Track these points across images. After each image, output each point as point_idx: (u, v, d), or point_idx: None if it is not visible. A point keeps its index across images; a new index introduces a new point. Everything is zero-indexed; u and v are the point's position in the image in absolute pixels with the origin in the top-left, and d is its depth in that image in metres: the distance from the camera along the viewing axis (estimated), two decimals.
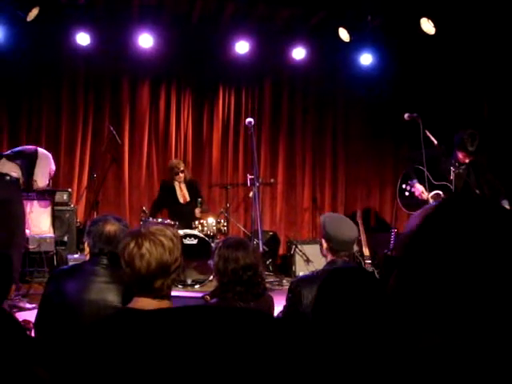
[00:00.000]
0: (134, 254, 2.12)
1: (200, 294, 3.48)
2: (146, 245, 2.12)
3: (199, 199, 7.82)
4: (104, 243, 3.03)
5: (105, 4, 8.02)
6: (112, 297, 2.92)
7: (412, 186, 6.54)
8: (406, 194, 6.69)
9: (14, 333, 1.82)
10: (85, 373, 2.02)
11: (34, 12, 7.31)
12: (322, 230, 3.32)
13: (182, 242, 2.26)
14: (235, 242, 2.81)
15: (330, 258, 3.29)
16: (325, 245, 3.29)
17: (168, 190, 8.03)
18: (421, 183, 6.42)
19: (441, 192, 6.43)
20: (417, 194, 6.46)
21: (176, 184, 8.00)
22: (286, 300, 3.12)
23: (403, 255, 1.11)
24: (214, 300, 2.86)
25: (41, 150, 6.24)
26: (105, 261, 3.01)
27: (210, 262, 2.88)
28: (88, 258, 3.14)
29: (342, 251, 3.25)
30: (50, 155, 6.28)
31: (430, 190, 6.43)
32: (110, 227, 3.05)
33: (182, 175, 7.95)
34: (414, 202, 6.52)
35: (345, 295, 2.13)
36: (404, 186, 6.71)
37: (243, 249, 2.77)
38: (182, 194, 8.02)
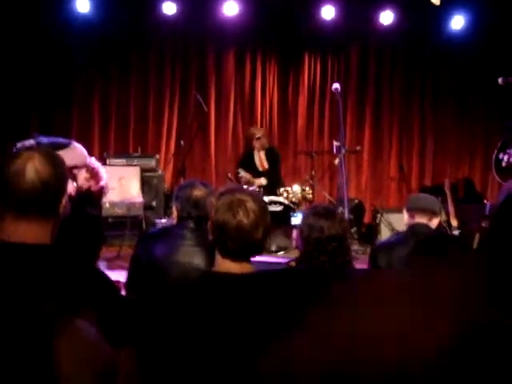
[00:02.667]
0: (242, 222, 2.15)
1: (284, 260, 3.52)
2: (252, 209, 2.15)
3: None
4: (191, 207, 3.08)
5: None
6: (198, 260, 2.98)
7: (511, 155, 6.28)
8: (504, 164, 6.42)
9: (107, 292, 1.89)
10: (170, 334, 2.09)
11: None
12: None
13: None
14: (322, 211, 2.78)
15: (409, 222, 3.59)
16: (405, 214, 3.66)
17: (248, 158, 8.09)
18: None
19: None
20: None
21: (255, 152, 8.01)
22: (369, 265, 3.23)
23: (491, 228, 1.07)
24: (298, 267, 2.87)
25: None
26: (192, 225, 3.07)
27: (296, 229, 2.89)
28: (176, 221, 3.22)
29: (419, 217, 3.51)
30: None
31: None
32: (198, 192, 3.10)
33: (258, 142, 7.93)
34: None
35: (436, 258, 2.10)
36: (501, 155, 6.44)
37: (330, 218, 2.73)
38: (261, 161, 8.04)
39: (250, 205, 2.18)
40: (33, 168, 1.75)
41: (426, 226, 3.50)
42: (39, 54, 8.03)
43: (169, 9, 8.05)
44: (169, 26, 8.45)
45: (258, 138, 7.90)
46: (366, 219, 8.78)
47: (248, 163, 8.02)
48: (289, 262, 3.08)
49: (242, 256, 2.21)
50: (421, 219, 3.51)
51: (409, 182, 9.39)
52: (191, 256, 3.00)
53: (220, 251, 2.24)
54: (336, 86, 5.39)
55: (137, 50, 8.65)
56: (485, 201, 8.64)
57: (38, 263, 1.75)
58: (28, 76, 8.04)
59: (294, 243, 3.41)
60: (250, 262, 2.25)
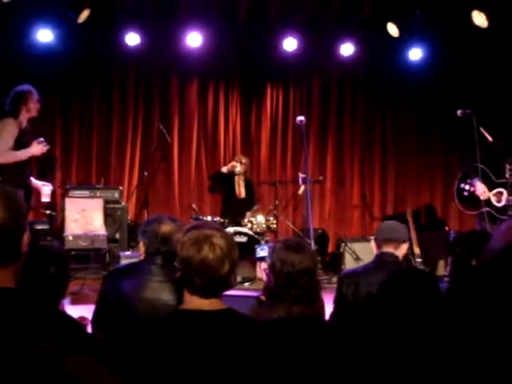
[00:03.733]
0: (208, 257, 2.14)
1: (254, 294, 3.49)
2: (219, 245, 2.15)
3: (254, 207, 7.83)
4: (159, 243, 3.07)
5: (154, 4, 8.10)
6: (166, 295, 2.96)
7: (472, 185, 6.39)
8: (465, 193, 6.53)
9: (72, 330, 1.84)
10: (139, 372, 2.06)
11: (85, 14, 7.46)
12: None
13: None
14: (293, 244, 2.77)
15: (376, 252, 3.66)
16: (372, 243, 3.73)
17: (226, 181, 8.18)
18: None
19: (503, 190, 6.27)
20: (478, 193, 6.31)
21: (236, 177, 8.12)
22: (336, 292, 3.34)
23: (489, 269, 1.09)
24: (267, 302, 2.85)
25: None
26: (159, 260, 3.06)
27: (266, 259, 2.88)
28: (143, 257, 3.19)
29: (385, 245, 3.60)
30: None
31: (490, 189, 6.30)
32: (165, 227, 3.09)
33: (235, 164, 8.10)
34: (474, 202, 6.39)
35: (406, 297, 2.12)
36: (463, 185, 6.56)
37: (301, 252, 2.73)
38: (239, 188, 8.13)
39: (217, 240, 2.18)
40: None
41: (393, 255, 3.57)
42: None
43: (132, 39, 8.05)
44: (132, 56, 8.47)
45: (242, 163, 8.03)
46: (330, 248, 8.83)
47: (228, 182, 8.14)
48: (259, 295, 3.06)
49: (210, 293, 2.19)
50: (387, 248, 3.59)
51: (371, 211, 9.49)
52: (159, 292, 2.98)
53: (188, 288, 2.23)
54: (301, 118, 5.44)
55: (99, 80, 8.63)
56: (446, 227, 8.79)
57: (2, 308, 1.69)
58: None
59: (259, 275, 3.38)
60: (219, 297, 2.23)
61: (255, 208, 7.77)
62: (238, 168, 8.08)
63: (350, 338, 2.29)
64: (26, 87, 6.12)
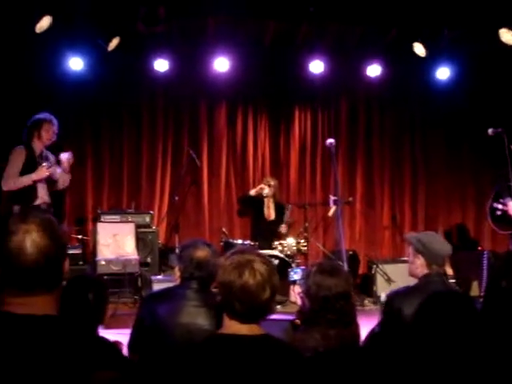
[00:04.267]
0: (249, 283, 2.14)
1: (287, 317, 3.48)
2: (259, 271, 2.15)
3: (286, 214, 7.82)
4: (194, 268, 3.09)
5: (181, 30, 8.22)
6: (202, 320, 2.97)
7: (505, 204, 6.33)
8: (498, 212, 6.46)
9: (111, 355, 1.86)
10: None
11: (115, 42, 7.60)
12: (415, 245, 3.32)
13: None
14: (329, 268, 2.77)
15: (423, 272, 3.33)
16: (419, 261, 3.33)
17: (255, 204, 8.17)
18: None
19: None
20: (511, 212, 6.24)
21: (265, 199, 8.12)
22: (383, 313, 3.16)
23: None
24: (303, 326, 2.84)
25: None
26: (195, 285, 3.07)
27: (301, 283, 2.87)
28: (178, 281, 3.20)
29: (436, 265, 3.30)
30: None
31: None
32: (200, 252, 3.11)
33: (262, 187, 8.09)
34: (507, 221, 6.31)
35: (443, 321, 2.09)
36: (495, 204, 6.50)
37: (337, 276, 2.73)
38: (269, 210, 8.13)
39: (258, 265, 2.18)
40: (33, 243, 1.70)
41: (442, 274, 3.35)
42: (31, 111, 8.07)
43: (161, 66, 8.15)
44: (161, 82, 8.56)
45: (270, 186, 8.04)
46: (361, 270, 8.77)
47: (258, 205, 8.13)
48: (294, 319, 3.05)
49: (250, 318, 2.19)
50: (439, 265, 3.33)
51: (402, 231, 9.40)
52: (195, 316, 2.99)
53: (227, 312, 2.23)
54: (330, 140, 5.44)
55: (129, 106, 8.76)
56: (479, 247, 8.67)
57: (46, 335, 1.72)
58: (18, 134, 8.06)
59: (293, 298, 3.37)
60: (258, 323, 2.23)
61: (284, 225, 7.74)
62: (266, 190, 8.07)
63: (389, 364, 2.26)
64: (41, 115, 6.41)
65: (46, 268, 1.72)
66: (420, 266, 3.34)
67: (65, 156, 6.37)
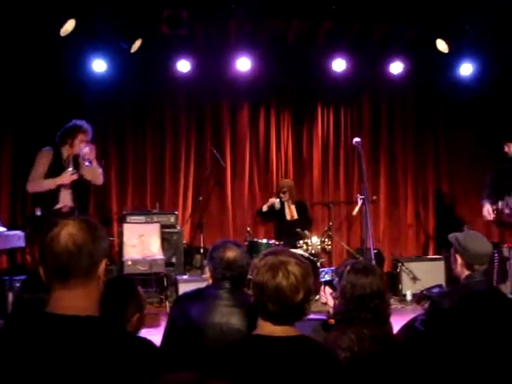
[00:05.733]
0: (282, 285, 2.15)
1: (317, 317, 3.48)
2: (293, 273, 2.16)
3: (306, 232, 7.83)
4: (224, 268, 3.11)
5: (204, 31, 8.24)
6: (235, 320, 2.98)
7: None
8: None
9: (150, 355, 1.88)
10: None
11: (137, 44, 7.62)
12: (455, 245, 3.29)
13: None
14: (363, 267, 2.77)
15: (465, 273, 3.28)
16: (459, 260, 3.26)
17: (279, 205, 8.22)
18: None
19: None
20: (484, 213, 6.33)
21: (285, 203, 8.17)
22: (427, 313, 3.12)
23: None
24: (337, 326, 2.84)
25: None
26: (227, 285, 3.09)
27: (335, 283, 2.87)
28: (210, 282, 3.23)
29: (477, 265, 3.22)
30: None
31: None
32: (230, 253, 3.13)
33: (283, 196, 8.12)
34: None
35: (479, 321, 2.07)
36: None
37: (371, 274, 2.73)
38: (290, 211, 8.14)
39: (292, 267, 2.17)
40: (67, 232, 1.81)
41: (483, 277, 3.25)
42: (56, 113, 8.17)
43: (183, 66, 8.19)
44: (183, 83, 8.59)
45: (285, 192, 8.06)
46: (386, 268, 8.73)
47: (278, 212, 8.16)
48: (327, 319, 3.05)
49: (283, 319, 2.19)
50: (481, 266, 3.24)
51: (426, 230, 9.36)
52: (228, 316, 3.00)
53: (261, 314, 2.23)
54: (357, 139, 5.42)
55: (152, 107, 8.81)
56: (506, 245, 8.59)
57: (90, 337, 1.76)
58: (46, 136, 8.15)
59: (323, 299, 3.35)
60: (292, 324, 2.23)
61: (306, 233, 7.76)
62: (277, 204, 8.16)
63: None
64: (79, 123, 6.43)
65: (77, 256, 1.80)
66: (459, 266, 3.31)
67: (85, 150, 6.38)
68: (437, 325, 2.03)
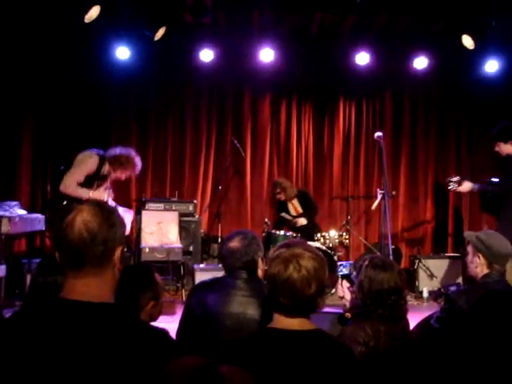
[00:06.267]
0: (294, 277, 2.13)
1: (333, 310, 3.48)
2: (304, 266, 2.14)
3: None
4: (229, 258, 3.14)
5: (227, 21, 8.23)
6: (252, 310, 2.98)
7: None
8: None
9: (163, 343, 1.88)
10: None
11: (161, 32, 7.62)
12: (475, 244, 3.26)
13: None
14: (381, 263, 2.76)
15: (484, 272, 3.25)
16: (480, 259, 3.23)
17: (281, 204, 8.18)
18: None
19: None
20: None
21: (287, 204, 8.18)
22: (443, 310, 3.10)
23: None
24: (353, 320, 2.84)
25: None
26: (244, 275, 3.08)
27: (353, 277, 2.86)
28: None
29: (497, 264, 3.21)
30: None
31: None
32: (233, 244, 3.14)
33: (278, 196, 8.15)
34: None
35: (498, 321, 2.05)
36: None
37: (390, 270, 2.71)
38: (294, 207, 8.11)
39: (304, 260, 2.15)
40: (81, 219, 1.80)
41: (503, 274, 3.26)
42: (78, 100, 8.24)
43: (206, 56, 8.18)
44: (206, 72, 8.59)
45: (278, 193, 8.05)
46: (403, 264, 8.69)
47: (283, 208, 8.10)
48: (344, 312, 3.04)
49: (294, 312, 2.17)
50: (501, 266, 3.23)
51: (445, 226, 9.29)
52: (245, 306, 3.00)
53: (274, 306, 2.23)
54: (379, 134, 5.39)
55: (174, 95, 8.84)
56: None
57: (101, 323, 1.76)
58: (68, 123, 8.24)
59: (340, 293, 3.34)
60: (307, 317, 2.21)
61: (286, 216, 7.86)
62: (302, 221, 8.01)
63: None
64: (137, 161, 6.42)
65: (90, 243, 1.79)
66: (480, 265, 3.26)
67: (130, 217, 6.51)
68: (452, 322, 2.03)
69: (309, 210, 8.08)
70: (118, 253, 1.86)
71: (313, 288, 2.14)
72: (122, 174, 6.39)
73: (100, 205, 1.89)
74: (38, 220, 6.51)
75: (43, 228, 6.64)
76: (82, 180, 6.14)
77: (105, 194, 6.25)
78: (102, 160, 6.26)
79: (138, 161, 6.42)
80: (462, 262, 7.71)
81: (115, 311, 1.84)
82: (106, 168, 6.31)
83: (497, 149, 6.41)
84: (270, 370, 2.06)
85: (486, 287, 2.98)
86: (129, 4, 7.20)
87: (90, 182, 6.21)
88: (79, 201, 2.00)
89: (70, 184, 6.08)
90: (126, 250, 7.60)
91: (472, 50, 8.03)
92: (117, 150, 6.35)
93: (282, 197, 8.11)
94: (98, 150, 6.32)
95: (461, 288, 3.28)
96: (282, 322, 2.19)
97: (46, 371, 1.66)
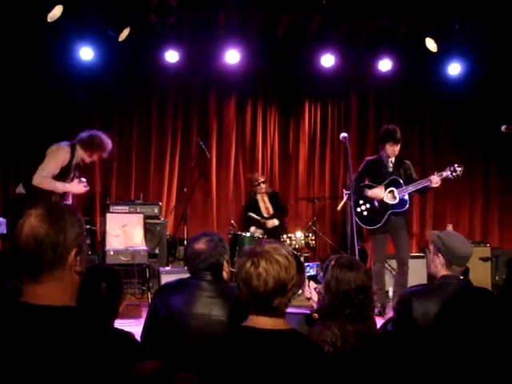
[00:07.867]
0: (251, 273, 2.12)
1: (305, 311, 3.46)
2: (263, 264, 2.11)
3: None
4: (194, 260, 3.10)
5: (193, 21, 8.17)
6: (217, 311, 2.95)
7: None
8: None
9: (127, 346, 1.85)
10: None
11: (125, 32, 7.53)
12: (436, 244, 3.26)
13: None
14: (348, 263, 2.76)
15: (442, 272, 3.23)
16: (440, 259, 3.22)
17: (252, 203, 8.13)
18: None
19: None
20: None
21: (259, 197, 8.10)
22: (395, 311, 3.10)
23: None
24: (320, 320, 2.82)
25: None
26: (209, 276, 3.06)
27: (320, 278, 2.85)
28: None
29: (457, 266, 3.19)
30: None
31: None
32: (197, 245, 3.12)
33: (263, 186, 8.11)
34: None
35: (471, 316, 2.05)
36: None
37: (356, 270, 2.71)
38: (266, 206, 8.09)
39: (266, 258, 2.13)
40: (29, 225, 1.74)
41: (461, 275, 3.26)
42: (41, 100, 8.10)
43: (171, 57, 8.11)
44: (171, 73, 8.53)
45: (263, 182, 8.00)
46: (368, 264, 8.72)
47: (253, 208, 8.07)
48: (311, 313, 3.03)
49: (259, 310, 2.16)
50: (460, 268, 3.22)
51: (409, 228, 9.35)
52: (210, 307, 2.97)
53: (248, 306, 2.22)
54: (344, 134, 5.35)
55: (139, 97, 8.75)
56: (487, 245, 8.63)
57: (63, 326, 1.71)
58: (29, 123, 8.09)
59: (307, 294, 3.32)
60: (282, 317, 2.19)
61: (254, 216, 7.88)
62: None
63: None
64: (109, 142, 6.24)
65: (38, 250, 1.73)
66: (439, 264, 3.25)
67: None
68: (404, 325, 2.04)
69: (280, 211, 8.09)
70: (72, 255, 1.79)
71: (269, 286, 2.11)
72: (94, 156, 6.22)
73: (50, 208, 1.81)
74: None
75: (4, 232, 6.50)
76: (57, 172, 5.95)
77: (81, 186, 6.09)
78: (73, 149, 6.10)
79: (108, 140, 6.28)
80: (427, 261, 7.79)
81: (78, 314, 1.79)
82: (79, 156, 6.13)
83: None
84: (240, 369, 2.05)
85: (446, 289, 2.97)
86: (92, 4, 7.10)
87: (64, 173, 6.04)
88: (46, 196, 1.93)
89: (45, 177, 5.84)
90: (90, 252, 7.50)
91: (435, 52, 8.13)
92: (86, 134, 6.19)
93: (264, 188, 8.11)
94: (67, 142, 6.15)
95: (414, 289, 3.23)
96: (254, 320, 2.18)
97: (8, 375, 1.61)
